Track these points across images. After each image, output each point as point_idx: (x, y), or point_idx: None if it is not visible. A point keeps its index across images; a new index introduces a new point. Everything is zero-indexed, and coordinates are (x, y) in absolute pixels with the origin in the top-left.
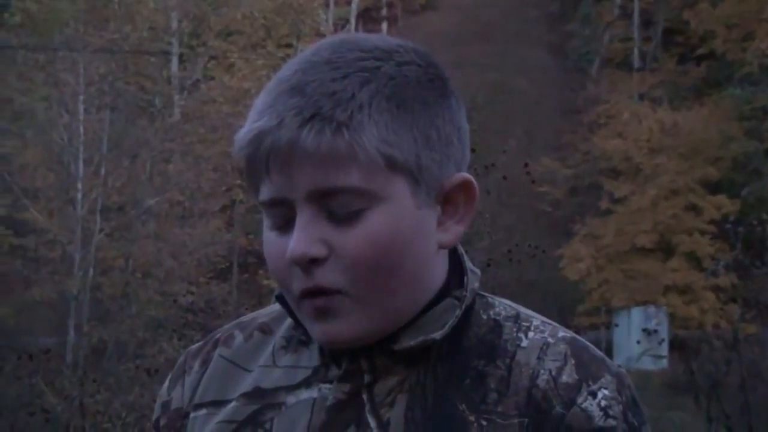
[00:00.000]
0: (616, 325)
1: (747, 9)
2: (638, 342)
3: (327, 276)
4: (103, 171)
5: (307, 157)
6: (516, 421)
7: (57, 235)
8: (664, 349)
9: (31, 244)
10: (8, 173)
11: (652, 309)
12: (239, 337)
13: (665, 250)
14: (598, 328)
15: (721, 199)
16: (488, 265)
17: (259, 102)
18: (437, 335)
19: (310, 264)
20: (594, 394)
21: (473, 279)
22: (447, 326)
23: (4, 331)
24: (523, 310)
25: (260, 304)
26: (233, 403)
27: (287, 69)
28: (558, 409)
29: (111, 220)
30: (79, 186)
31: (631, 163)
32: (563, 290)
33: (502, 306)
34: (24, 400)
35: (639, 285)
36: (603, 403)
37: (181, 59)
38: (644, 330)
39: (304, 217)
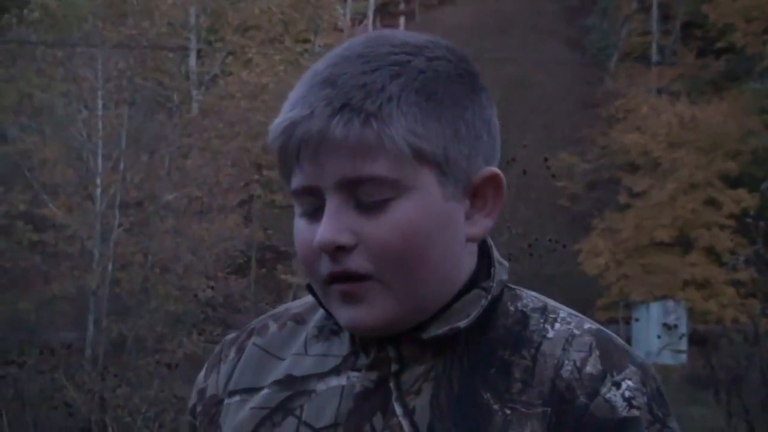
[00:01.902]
0: (637, 320)
1: (767, 2)
2: (659, 337)
3: (354, 262)
4: (121, 166)
5: (336, 147)
6: (539, 410)
7: (76, 230)
8: (684, 344)
9: (51, 240)
10: (28, 169)
11: (671, 304)
12: (273, 327)
13: (684, 244)
14: (616, 322)
15: (741, 193)
16: (508, 259)
17: (294, 94)
18: (462, 324)
19: (337, 251)
20: (618, 385)
21: (501, 270)
22: (472, 316)
23: (25, 326)
24: (551, 302)
25: (278, 298)
26: (265, 390)
27: (321, 62)
28: (581, 399)
29: (130, 216)
30: (98, 181)
31: (650, 158)
32: (582, 285)
33: (530, 298)
34: (46, 394)
35: (658, 280)
36: (627, 393)
37: (199, 54)
38: (664, 325)
39: (332, 206)
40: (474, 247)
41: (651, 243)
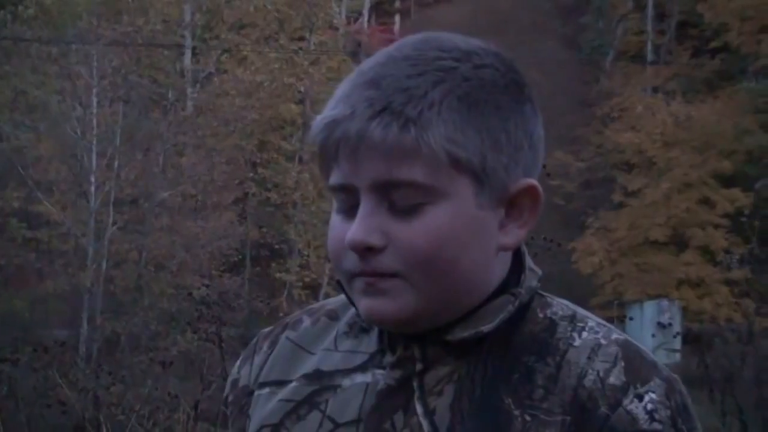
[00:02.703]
0: (631, 319)
1: (762, 1)
2: (653, 336)
3: (383, 262)
4: (116, 164)
5: (374, 149)
6: (559, 418)
7: (70, 227)
8: (678, 343)
9: (45, 237)
10: (22, 166)
11: (665, 303)
12: (307, 322)
13: (678, 243)
14: (611, 321)
15: (735, 192)
16: None
17: (338, 91)
18: (486, 328)
19: (366, 251)
20: (641, 397)
21: (531, 277)
22: (497, 320)
23: (18, 324)
24: (580, 311)
25: (272, 297)
26: (294, 383)
27: (368, 62)
28: (603, 409)
29: (124, 213)
30: (93, 179)
31: (645, 157)
32: (576, 284)
33: (560, 306)
34: (39, 392)
35: (652, 278)
36: (649, 406)
37: (194, 52)
38: (658, 324)
39: (366, 206)
40: (508, 255)
41: (645, 242)
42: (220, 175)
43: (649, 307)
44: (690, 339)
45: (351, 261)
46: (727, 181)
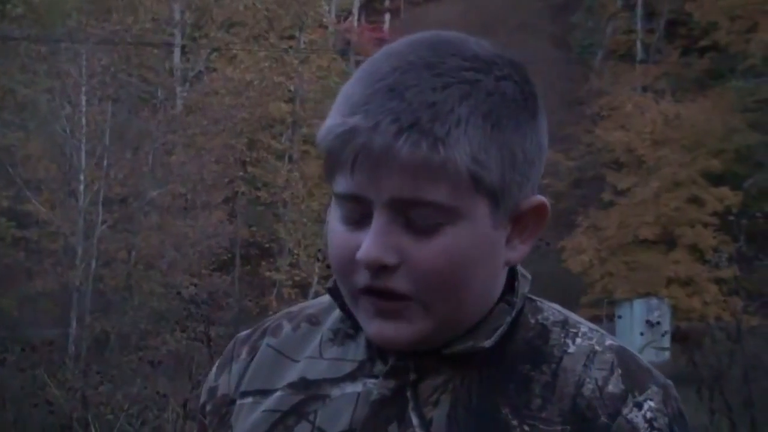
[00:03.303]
0: (619, 317)
1: (750, 1)
2: (642, 334)
3: (396, 281)
4: (105, 163)
5: (399, 166)
6: (559, 428)
7: (59, 226)
8: (667, 341)
9: (34, 236)
10: (11, 165)
11: (654, 301)
12: (287, 327)
13: (668, 242)
14: (600, 320)
15: (724, 191)
16: None
17: (351, 93)
18: (486, 344)
19: (380, 269)
20: (640, 406)
21: (524, 284)
22: (497, 334)
23: (7, 323)
24: (571, 315)
25: (262, 295)
26: (279, 393)
27: (384, 63)
28: (603, 419)
29: (113, 212)
30: (82, 178)
31: (634, 155)
32: (566, 282)
33: (551, 311)
34: (27, 392)
35: (641, 277)
36: (648, 414)
37: (184, 51)
38: (647, 322)
39: (380, 222)
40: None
41: (635, 240)
42: (210, 174)
43: (639, 305)
44: (679, 337)
45: (361, 277)
46: (716, 179)
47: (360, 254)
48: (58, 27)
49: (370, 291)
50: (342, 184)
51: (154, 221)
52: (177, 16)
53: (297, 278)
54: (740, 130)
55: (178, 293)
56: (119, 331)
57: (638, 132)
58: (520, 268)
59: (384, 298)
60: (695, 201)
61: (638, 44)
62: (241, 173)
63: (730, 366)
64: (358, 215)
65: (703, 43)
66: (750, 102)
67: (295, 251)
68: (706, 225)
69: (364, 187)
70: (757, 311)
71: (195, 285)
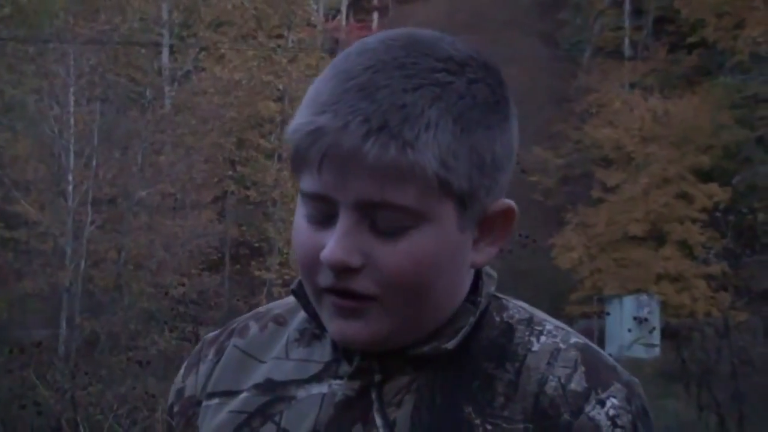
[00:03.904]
0: (608, 314)
1: None
2: (629, 330)
3: (360, 282)
4: (94, 163)
5: (366, 168)
6: (521, 426)
7: (48, 227)
8: (656, 338)
9: (23, 237)
10: None
11: (644, 297)
12: (254, 328)
13: (657, 238)
14: (590, 316)
15: (713, 187)
16: None
17: (322, 91)
18: (449, 345)
19: (344, 270)
20: (602, 403)
21: (489, 283)
22: (460, 335)
23: None
24: (537, 313)
25: (252, 295)
26: (245, 394)
27: (356, 61)
28: (565, 417)
29: (102, 212)
30: (70, 178)
31: (623, 152)
32: (555, 279)
33: (516, 309)
34: (15, 393)
35: (631, 273)
36: (611, 412)
37: (172, 50)
38: (636, 318)
39: (346, 223)
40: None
41: (624, 237)
42: (199, 174)
43: (628, 301)
44: (668, 333)
45: (325, 277)
46: (704, 175)
47: (324, 255)
48: (45, 27)
49: (332, 290)
50: (309, 183)
51: (143, 221)
52: (165, 15)
53: (287, 277)
54: (728, 126)
55: (167, 293)
56: (109, 331)
57: (627, 129)
58: (486, 268)
59: (346, 297)
60: (684, 197)
61: (626, 41)
62: (230, 172)
63: (719, 361)
64: (324, 215)
65: (690, 39)
66: (738, 98)
67: (285, 250)
68: (694, 221)
69: (331, 187)
70: (744, 307)
71: (184, 285)
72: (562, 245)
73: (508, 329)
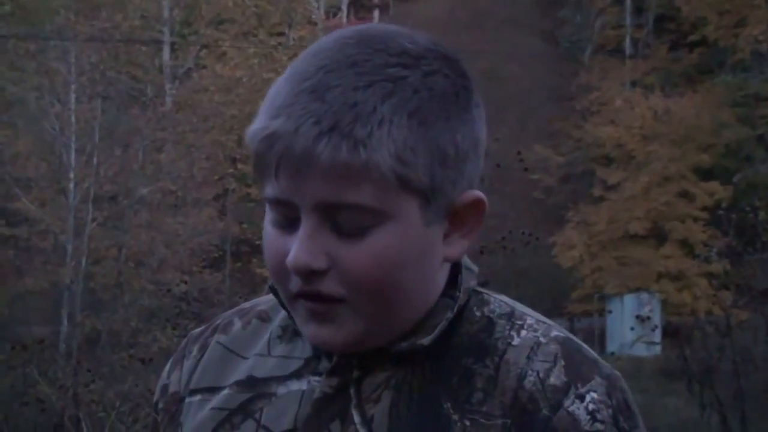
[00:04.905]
0: (610, 312)
1: None
2: (632, 329)
3: (327, 285)
4: (95, 160)
5: (320, 170)
6: (499, 421)
7: (49, 224)
8: (657, 336)
9: (24, 234)
10: (0, 163)
11: (644, 296)
12: (238, 324)
13: (658, 236)
14: (591, 315)
15: (714, 185)
16: (481, 252)
17: (278, 94)
18: (425, 341)
19: (310, 274)
20: (582, 398)
21: (468, 277)
22: (436, 331)
23: None
24: (519, 307)
25: (254, 292)
26: (227, 391)
27: (310, 63)
28: (544, 412)
29: (103, 210)
30: (72, 175)
31: (624, 150)
32: (556, 277)
33: (498, 303)
34: (18, 390)
35: (632, 272)
36: (591, 407)
37: (173, 48)
38: (637, 317)
39: (308, 226)
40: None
41: (625, 235)
42: (200, 171)
43: (629, 300)
44: (669, 332)
45: (294, 282)
46: (705, 174)
47: (288, 260)
48: (46, 24)
49: (303, 295)
50: (269, 188)
51: (144, 219)
52: (166, 13)
53: None
54: (729, 124)
55: (169, 291)
56: (110, 328)
57: (628, 127)
58: (466, 262)
59: (316, 301)
60: (685, 196)
61: (627, 39)
62: (231, 170)
63: (720, 360)
64: (288, 219)
65: (691, 38)
66: (739, 96)
67: None
68: (696, 219)
69: (289, 192)
70: (746, 305)
71: (186, 282)
72: (563, 243)
73: (489, 324)
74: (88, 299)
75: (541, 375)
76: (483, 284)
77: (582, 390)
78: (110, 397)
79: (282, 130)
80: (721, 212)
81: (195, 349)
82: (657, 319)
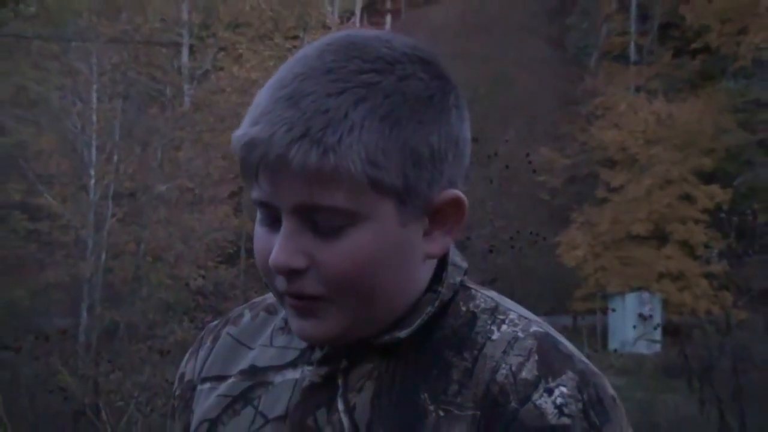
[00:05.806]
0: (613, 310)
1: (741, 4)
2: (634, 327)
3: (307, 284)
4: (115, 158)
5: (294, 175)
6: (470, 413)
7: (70, 220)
8: (658, 334)
9: (46, 229)
10: (23, 160)
11: (646, 295)
12: (247, 316)
13: (659, 237)
14: (594, 313)
15: (714, 188)
16: (490, 251)
17: (259, 101)
18: (403, 334)
19: (291, 273)
20: (550, 392)
21: (454, 273)
22: (415, 325)
23: (20, 313)
24: (505, 303)
25: (266, 288)
26: (232, 379)
27: (289, 70)
28: (512, 404)
29: (123, 206)
30: (92, 172)
31: (627, 154)
32: (560, 276)
33: (483, 298)
34: (41, 379)
35: (634, 271)
36: (559, 401)
37: (191, 50)
38: (639, 315)
39: (288, 228)
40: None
41: (628, 236)
42: (216, 170)
43: (631, 299)
44: (670, 330)
45: (280, 280)
46: (706, 177)
47: (270, 260)
48: (69, 26)
49: (287, 293)
50: (254, 191)
51: (162, 215)
52: (185, 16)
53: None
54: (730, 129)
55: (186, 284)
56: (128, 320)
57: (631, 131)
58: (454, 258)
59: (299, 298)
60: (686, 198)
61: (632, 46)
62: None
63: (719, 358)
64: (272, 219)
65: (695, 45)
66: (740, 102)
67: None
68: (696, 221)
69: (270, 195)
70: (745, 305)
71: (202, 277)
72: (567, 243)
73: (472, 318)
74: (107, 292)
75: (513, 369)
76: (491, 282)
77: (551, 384)
78: (128, 387)
79: (259, 137)
80: (721, 215)
81: (209, 340)
82: (658, 317)
